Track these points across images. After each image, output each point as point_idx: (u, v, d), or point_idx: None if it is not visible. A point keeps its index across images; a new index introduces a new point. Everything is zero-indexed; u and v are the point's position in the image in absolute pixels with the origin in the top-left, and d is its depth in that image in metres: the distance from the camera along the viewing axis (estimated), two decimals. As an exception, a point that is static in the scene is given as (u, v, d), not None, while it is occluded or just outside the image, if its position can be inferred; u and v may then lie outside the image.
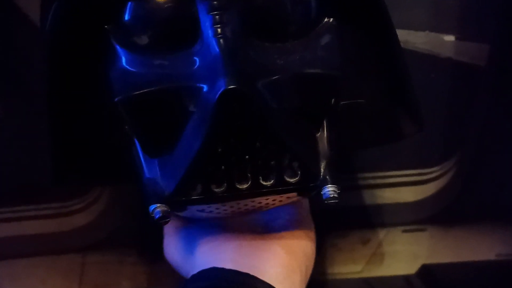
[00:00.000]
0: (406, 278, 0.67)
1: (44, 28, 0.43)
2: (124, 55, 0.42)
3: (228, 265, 0.46)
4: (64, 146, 0.46)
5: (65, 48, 0.43)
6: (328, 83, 0.42)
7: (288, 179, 0.43)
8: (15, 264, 0.65)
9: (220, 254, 0.47)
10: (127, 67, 0.42)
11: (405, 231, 0.67)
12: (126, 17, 0.43)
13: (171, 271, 0.64)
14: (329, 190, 0.43)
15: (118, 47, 0.43)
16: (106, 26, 0.44)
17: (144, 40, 0.43)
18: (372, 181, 0.67)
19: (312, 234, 0.52)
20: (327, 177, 0.43)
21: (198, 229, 0.50)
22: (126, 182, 0.49)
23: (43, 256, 0.65)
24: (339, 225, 0.66)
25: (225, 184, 0.42)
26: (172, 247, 0.52)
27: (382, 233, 0.67)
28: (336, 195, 0.43)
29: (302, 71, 0.42)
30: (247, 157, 0.42)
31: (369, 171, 0.66)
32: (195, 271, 0.47)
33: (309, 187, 0.43)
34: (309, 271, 0.51)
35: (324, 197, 0.43)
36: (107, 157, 0.47)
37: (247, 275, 0.45)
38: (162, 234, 0.55)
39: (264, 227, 0.50)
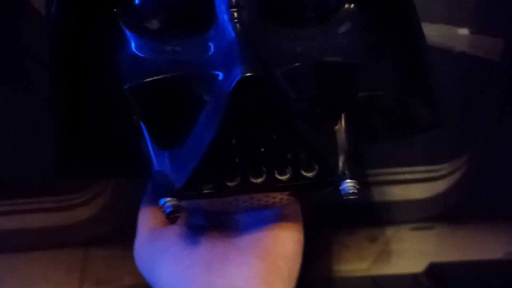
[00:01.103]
0: (413, 277, 0.66)
1: (50, 11, 0.41)
2: (134, 40, 0.40)
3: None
4: (69, 136, 0.44)
5: (71, 33, 0.41)
6: (348, 72, 0.41)
7: (304, 174, 0.41)
8: (16, 257, 0.64)
9: (188, 272, 0.44)
10: (137, 52, 0.40)
11: (413, 229, 0.67)
12: (136, 0, 0.41)
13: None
14: (348, 185, 0.41)
15: (127, 32, 0.41)
16: (114, 9, 0.42)
17: (155, 24, 0.41)
18: (381, 178, 0.66)
19: (296, 234, 0.47)
20: (346, 171, 0.42)
21: (171, 239, 0.46)
22: (132, 175, 0.47)
23: (44, 250, 0.64)
24: (346, 223, 0.65)
25: (239, 178, 0.41)
26: (142, 251, 0.49)
27: (390, 231, 0.66)
28: (355, 191, 0.41)
29: (322, 59, 0.40)
30: (262, 149, 0.40)
31: (378, 167, 0.65)
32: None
33: (326, 182, 0.42)
34: (294, 273, 0.46)
35: (342, 192, 0.41)
36: (113, 148, 0.45)
37: None
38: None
39: (240, 229, 0.47)
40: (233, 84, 0.36)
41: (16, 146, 0.63)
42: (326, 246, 0.65)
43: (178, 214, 0.40)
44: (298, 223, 0.48)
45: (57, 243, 0.64)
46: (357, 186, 0.41)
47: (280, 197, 0.44)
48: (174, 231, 0.46)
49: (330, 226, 0.64)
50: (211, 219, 0.47)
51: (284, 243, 0.45)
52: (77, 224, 0.64)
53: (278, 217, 0.46)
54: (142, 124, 0.42)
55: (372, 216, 0.66)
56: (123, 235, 0.63)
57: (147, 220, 0.48)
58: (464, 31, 0.63)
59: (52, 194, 0.63)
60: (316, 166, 0.41)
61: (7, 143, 0.63)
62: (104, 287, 0.65)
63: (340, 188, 0.42)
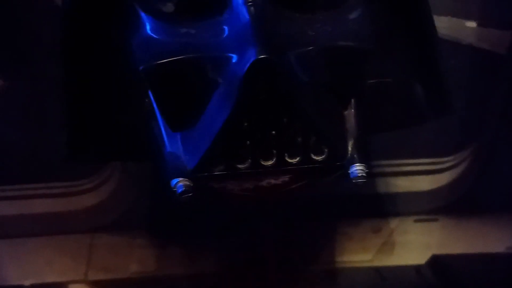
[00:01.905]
0: (416, 268, 0.66)
1: None
2: (148, 22, 0.41)
3: None
4: (80, 121, 0.45)
5: (84, 14, 0.42)
6: (360, 57, 0.41)
7: (314, 157, 0.42)
8: (22, 243, 0.64)
9: None
10: (152, 35, 0.41)
11: (417, 220, 0.67)
12: None
13: (179, 256, 0.64)
14: (357, 169, 0.42)
15: (142, 14, 0.42)
16: None
17: (169, 7, 0.41)
18: (386, 169, 0.66)
19: None
20: (355, 155, 0.42)
21: None
22: (142, 158, 0.48)
23: (50, 236, 0.64)
24: (351, 214, 0.65)
25: (250, 160, 0.41)
26: None
27: (394, 222, 0.66)
28: (364, 174, 0.42)
29: (335, 44, 0.41)
30: (273, 132, 0.41)
31: (383, 159, 0.65)
32: None
33: (335, 165, 0.42)
34: None
35: (351, 176, 0.42)
36: (123, 132, 0.46)
37: None
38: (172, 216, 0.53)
39: None
40: (247, 66, 0.37)
41: (23, 132, 0.63)
42: (330, 237, 0.65)
43: (190, 194, 0.41)
44: None
45: (63, 229, 0.64)
46: (366, 170, 0.42)
47: (288, 181, 0.44)
48: None
49: (334, 217, 0.65)
50: None
51: None
52: (83, 210, 0.64)
53: None
54: (154, 106, 0.42)
55: (376, 208, 0.66)
56: (129, 222, 0.64)
57: None
58: (471, 24, 0.63)
59: (59, 180, 0.63)
60: (326, 150, 0.42)
61: (15, 129, 0.63)
62: (110, 274, 0.64)
63: (349, 171, 0.42)
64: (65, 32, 0.42)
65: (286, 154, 0.42)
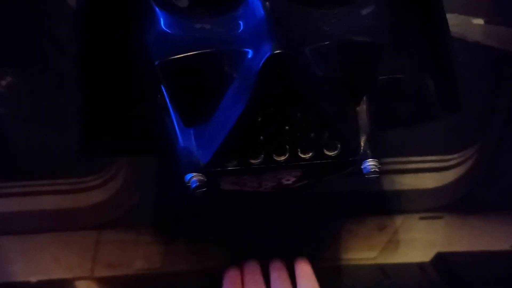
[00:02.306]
0: (420, 266, 0.66)
1: None
2: (164, 17, 0.41)
3: None
4: (94, 116, 0.45)
5: (99, 9, 0.42)
6: (374, 52, 0.41)
7: (327, 153, 0.42)
8: (29, 239, 0.64)
9: None
10: (167, 30, 0.41)
11: (422, 218, 0.67)
12: None
13: (184, 253, 0.64)
14: (370, 164, 0.42)
15: (157, 9, 0.42)
16: None
17: (184, 2, 0.41)
18: (391, 167, 0.66)
19: None
20: (367, 151, 0.42)
21: None
22: (155, 152, 0.48)
23: (57, 232, 0.64)
24: (356, 211, 0.66)
25: (263, 155, 0.42)
26: None
27: (399, 220, 0.66)
28: (377, 169, 0.42)
29: (349, 38, 0.41)
30: (286, 128, 0.41)
31: (389, 156, 0.65)
32: None
33: (348, 161, 0.43)
34: None
35: (364, 171, 0.42)
36: (136, 127, 0.46)
37: None
38: (178, 213, 0.53)
39: None
40: (263, 61, 0.37)
41: (31, 129, 0.63)
42: (335, 234, 0.66)
43: (204, 189, 0.41)
44: None
45: (70, 225, 0.64)
46: (378, 165, 0.42)
47: (300, 178, 0.45)
48: None
49: (339, 215, 0.65)
50: None
51: None
52: (90, 207, 0.64)
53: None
54: (168, 101, 0.42)
55: (382, 205, 0.66)
56: (135, 219, 0.64)
57: None
58: (479, 21, 0.63)
59: (66, 176, 0.63)
60: (339, 146, 0.42)
61: (23, 125, 0.63)
62: (115, 271, 0.64)
63: (362, 167, 0.42)
64: (81, 26, 0.42)
65: (299, 150, 0.42)
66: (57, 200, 0.64)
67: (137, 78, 0.43)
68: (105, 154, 0.57)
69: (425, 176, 0.66)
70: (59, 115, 0.62)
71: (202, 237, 0.64)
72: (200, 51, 0.40)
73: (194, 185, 0.41)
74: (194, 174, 0.41)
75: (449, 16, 0.62)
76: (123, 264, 0.64)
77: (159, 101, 0.43)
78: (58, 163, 0.63)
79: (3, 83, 0.62)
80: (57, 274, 0.64)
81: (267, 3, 0.38)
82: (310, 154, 0.42)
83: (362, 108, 0.43)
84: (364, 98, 0.43)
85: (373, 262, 0.66)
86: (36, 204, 0.64)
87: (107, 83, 0.44)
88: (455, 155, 0.66)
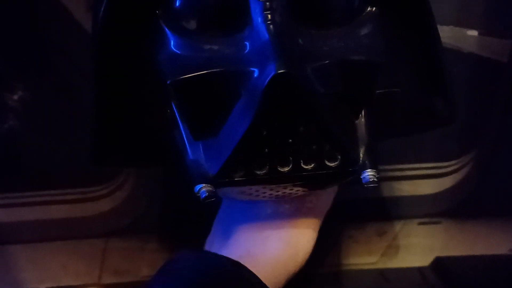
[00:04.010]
0: (420, 270, 0.67)
1: (97, 12, 0.44)
2: (174, 39, 0.43)
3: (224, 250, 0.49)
4: (106, 129, 0.47)
5: (116, 33, 0.44)
6: (370, 70, 0.44)
7: (328, 164, 0.44)
8: (38, 248, 0.65)
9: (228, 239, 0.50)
10: (177, 51, 0.43)
11: (420, 223, 0.67)
12: (177, 3, 0.44)
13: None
14: (369, 174, 0.44)
15: (168, 32, 0.44)
16: (157, 11, 0.44)
17: (193, 25, 0.44)
18: (390, 174, 0.67)
19: (315, 225, 0.53)
20: (366, 161, 0.44)
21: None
22: (164, 164, 0.49)
23: (65, 240, 0.65)
24: (356, 217, 0.67)
25: (267, 166, 0.44)
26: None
27: (398, 226, 0.67)
28: (375, 179, 0.44)
29: (347, 58, 0.43)
30: (290, 141, 0.43)
31: (387, 164, 0.67)
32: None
33: (348, 171, 0.44)
34: (305, 257, 0.52)
35: (363, 181, 0.44)
36: (147, 140, 0.48)
37: (233, 262, 0.47)
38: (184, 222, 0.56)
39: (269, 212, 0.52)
40: (267, 80, 0.39)
41: (41, 141, 0.64)
42: (335, 240, 0.66)
43: (213, 199, 0.43)
44: (320, 215, 0.53)
45: (78, 234, 0.65)
46: (377, 175, 0.44)
47: (304, 186, 0.46)
48: None
49: (339, 221, 0.65)
50: None
51: (305, 231, 0.51)
52: (98, 216, 0.65)
53: (300, 206, 0.50)
54: (177, 116, 0.44)
55: (381, 211, 0.67)
56: (142, 227, 0.65)
57: None
58: (473, 33, 0.65)
59: (74, 186, 0.65)
60: (339, 157, 0.44)
61: (33, 138, 0.65)
62: (122, 278, 0.65)
63: (361, 177, 0.44)
64: (97, 49, 0.44)
65: (301, 161, 0.44)
66: (66, 209, 0.65)
67: (149, 94, 0.45)
68: (116, 166, 0.59)
69: (423, 182, 0.67)
70: (68, 128, 0.64)
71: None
72: (209, 71, 0.42)
73: (203, 196, 0.43)
74: (203, 185, 0.43)
75: (444, 28, 0.64)
76: (130, 271, 0.65)
77: (169, 116, 0.45)
78: (67, 173, 0.64)
79: (15, 97, 0.64)
80: (65, 281, 0.65)
81: (271, 26, 0.40)
82: (312, 165, 0.44)
83: (361, 121, 0.45)
84: (363, 111, 0.45)
85: (373, 267, 0.67)
86: (45, 213, 0.65)
87: (120, 99, 0.46)
88: (452, 162, 0.67)
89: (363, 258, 0.67)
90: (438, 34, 0.47)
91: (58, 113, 0.64)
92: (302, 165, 0.44)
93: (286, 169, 0.44)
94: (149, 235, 0.66)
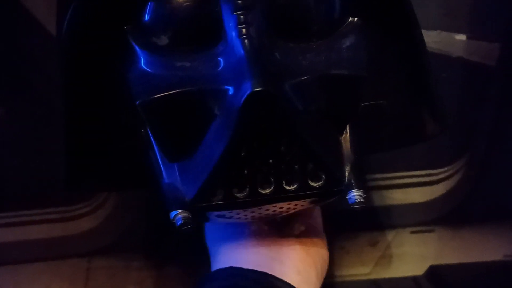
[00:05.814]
0: (414, 279, 0.66)
1: (61, 29, 0.42)
2: (144, 56, 0.41)
3: (246, 266, 0.46)
4: (79, 150, 0.45)
5: (82, 49, 0.42)
6: (353, 84, 0.42)
7: (312, 184, 0.42)
8: (20, 269, 0.64)
9: (240, 255, 0.47)
10: (147, 69, 0.41)
11: (413, 232, 0.67)
12: (146, 17, 0.42)
13: (177, 276, 0.64)
14: (355, 194, 0.42)
15: (137, 48, 0.42)
16: (125, 27, 0.42)
17: (164, 40, 0.42)
18: (381, 182, 0.66)
19: (324, 242, 0.53)
20: (352, 181, 0.42)
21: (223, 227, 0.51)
22: (141, 187, 0.48)
23: (48, 261, 0.64)
24: (347, 227, 0.66)
25: (248, 188, 0.42)
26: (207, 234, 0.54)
27: (390, 235, 0.67)
28: (362, 200, 0.42)
29: (328, 72, 0.41)
30: (270, 161, 0.41)
31: (378, 172, 0.66)
32: (214, 268, 0.47)
33: (333, 191, 0.43)
34: (324, 273, 0.52)
35: (350, 202, 0.42)
36: (122, 161, 0.46)
37: (264, 273, 0.45)
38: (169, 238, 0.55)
39: (281, 232, 0.50)
40: (243, 98, 0.37)
41: (18, 158, 0.63)
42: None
43: (189, 226, 0.41)
44: (323, 234, 0.53)
45: (60, 254, 0.64)
46: (364, 195, 0.42)
47: (287, 207, 0.45)
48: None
49: (330, 232, 0.65)
50: None
51: (319, 247, 0.52)
52: (80, 235, 0.64)
53: (311, 224, 0.51)
54: (151, 137, 0.43)
55: (373, 221, 0.66)
56: (125, 245, 0.64)
57: None
58: (461, 37, 0.64)
59: (55, 205, 0.63)
60: (323, 176, 0.42)
61: (10, 155, 0.63)
62: (107, 297, 0.64)
63: (347, 197, 0.42)
64: (64, 65, 0.42)
65: (284, 182, 0.42)
66: (47, 229, 0.64)
67: (122, 113, 0.43)
68: (90, 190, 0.57)
69: (414, 190, 0.66)
70: (46, 145, 0.63)
71: (194, 259, 0.64)
72: (180, 90, 0.40)
73: (179, 223, 0.41)
74: (179, 211, 0.41)
75: (432, 33, 0.64)
76: (115, 290, 0.64)
77: (143, 136, 0.43)
78: (46, 192, 0.63)
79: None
80: (49, 303, 0.63)
81: (246, 41, 0.38)
82: (295, 186, 0.42)
83: (346, 138, 0.44)
84: (347, 127, 0.44)
85: (367, 277, 0.66)
86: (26, 234, 0.64)
87: (92, 119, 0.44)
88: (444, 169, 0.66)
89: (356, 269, 0.66)
90: (424, 43, 0.45)
91: (36, 130, 0.63)
92: (285, 186, 0.42)
93: (268, 190, 0.42)
94: (134, 253, 0.65)
